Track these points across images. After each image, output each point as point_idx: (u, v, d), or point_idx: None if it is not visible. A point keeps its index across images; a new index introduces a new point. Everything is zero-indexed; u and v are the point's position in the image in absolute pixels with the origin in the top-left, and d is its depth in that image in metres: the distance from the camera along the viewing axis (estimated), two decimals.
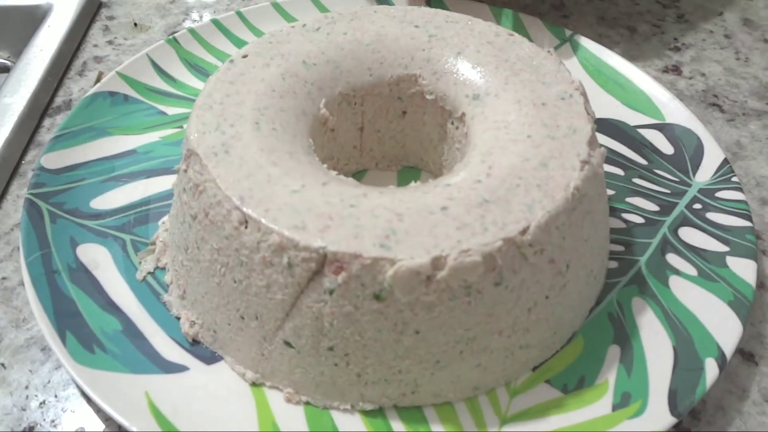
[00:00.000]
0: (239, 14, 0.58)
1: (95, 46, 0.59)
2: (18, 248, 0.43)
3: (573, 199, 0.33)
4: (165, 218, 0.43)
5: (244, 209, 0.32)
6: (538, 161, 0.35)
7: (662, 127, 0.50)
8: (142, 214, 0.44)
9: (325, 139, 0.42)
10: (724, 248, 0.41)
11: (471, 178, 0.34)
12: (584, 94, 0.39)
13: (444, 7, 0.59)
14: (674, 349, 0.36)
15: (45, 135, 0.51)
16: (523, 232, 0.32)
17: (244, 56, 0.42)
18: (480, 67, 0.41)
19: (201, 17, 0.63)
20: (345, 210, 0.32)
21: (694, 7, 0.67)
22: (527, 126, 0.37)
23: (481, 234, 0.31)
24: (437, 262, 0.30)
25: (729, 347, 0.36)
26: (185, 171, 0.36)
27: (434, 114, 0.43)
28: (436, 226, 0.31)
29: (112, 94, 0.50)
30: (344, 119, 0.43)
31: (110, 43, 0.60)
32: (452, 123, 0.42)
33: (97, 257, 0.41)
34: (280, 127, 0.37)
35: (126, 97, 0.51)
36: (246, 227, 0.32)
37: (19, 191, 0.47)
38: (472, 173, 0.35)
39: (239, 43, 0.57)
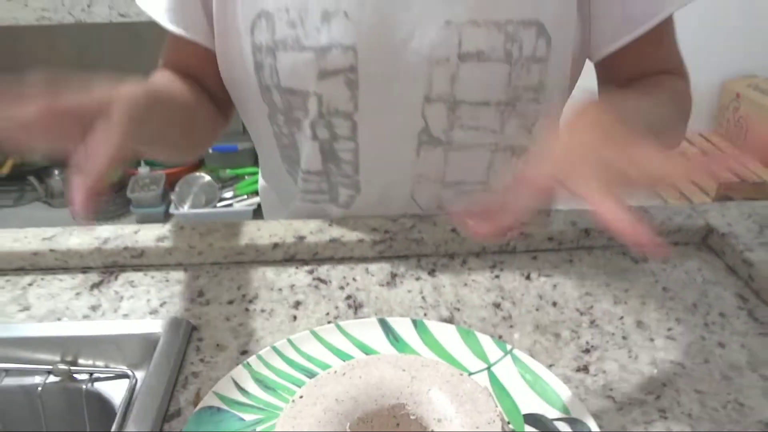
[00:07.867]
0: (289, 341, 0.88)
1: (191, 363, 0.88)
2: None
3: None
4: None
5: None
6: None
7: (568, 420, 0.76)
8: None
9: None
10: None
11: None
12: (503, 420, 0.66)
13: (428, 333, 0.88)
14: None
15: None
16: None
17: (301, 396, 0.70)
18: (442, 399, 0.69)
19: (263, 336, 0.92)
20: None
21: (603, 313, 0.97)
22: None
23: None
24: None
25: None
26: None
27: (417, 428, 0.70)
28: None
29: (210, 407, 0.78)
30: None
31: (201, 360, 0.89)
32: None
33: None
34: None
35: (218, 409, 0.78)
36: None
37: None
38: None
39: (288, 361, 0.85)
